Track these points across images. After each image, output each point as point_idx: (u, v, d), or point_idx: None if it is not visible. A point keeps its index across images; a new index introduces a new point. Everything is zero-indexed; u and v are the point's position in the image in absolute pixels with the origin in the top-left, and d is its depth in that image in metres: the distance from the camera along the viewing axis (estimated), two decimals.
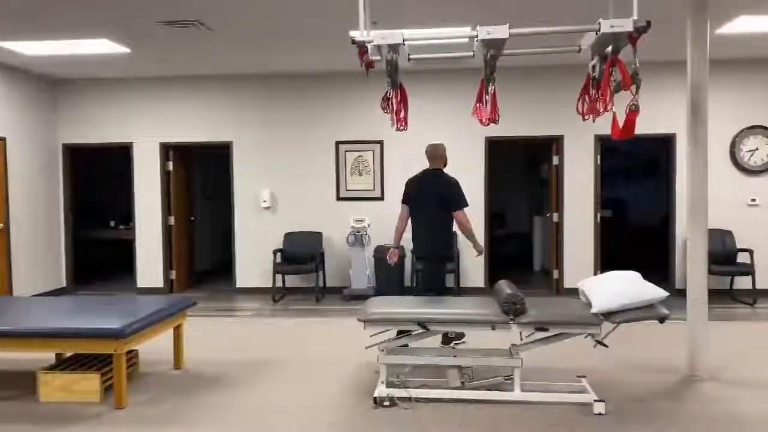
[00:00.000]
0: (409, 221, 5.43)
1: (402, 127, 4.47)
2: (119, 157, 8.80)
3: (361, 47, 3.89)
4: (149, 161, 8.48)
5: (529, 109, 7.99)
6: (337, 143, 8.21)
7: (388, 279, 7.76)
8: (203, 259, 9.80)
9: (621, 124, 3.95)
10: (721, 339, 5.53)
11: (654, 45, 6.49)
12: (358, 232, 7.78)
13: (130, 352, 4.72)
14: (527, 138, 8.10)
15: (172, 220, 8.58)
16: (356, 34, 3.90)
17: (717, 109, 7.66)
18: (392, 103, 4.34)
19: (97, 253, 10.31)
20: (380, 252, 7.84)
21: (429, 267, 5.33)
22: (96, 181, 10.80)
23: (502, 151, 10.06)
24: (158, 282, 8.49)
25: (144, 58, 7.23)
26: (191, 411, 4.07)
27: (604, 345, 4.02)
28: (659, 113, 7.72)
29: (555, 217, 8.16)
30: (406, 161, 8.13)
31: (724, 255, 7.56)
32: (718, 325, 6.09)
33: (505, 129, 7.92)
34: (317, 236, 8.14)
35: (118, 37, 6.29)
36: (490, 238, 8.22)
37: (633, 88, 3.78)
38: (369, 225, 7.85)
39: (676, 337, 5.27)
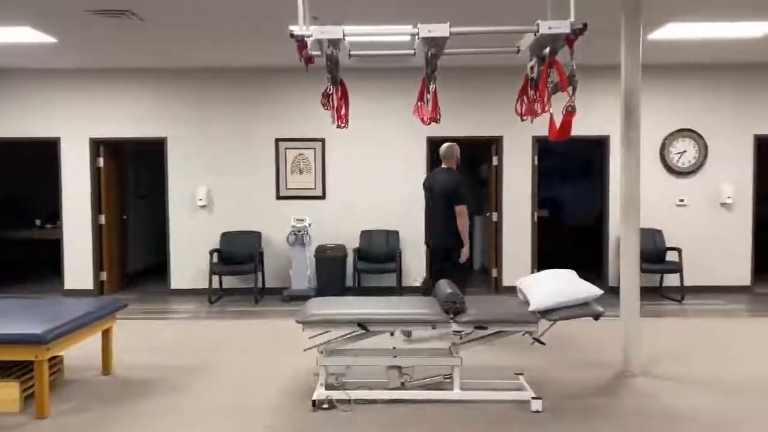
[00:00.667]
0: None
1: (343, 125, 4.40)
2: (45, 152, 8.35)
3: (300, 41, 3.80)
4: (78, 157, 8.09)
5: (470, 110, 8.06)
6: (277, 140, 8.05)
7: (330, 279, 7.67)
8: (136, 260, 9.44)
9: (558, 125, 4.01)
10: (652, 335, 5.71)
11: (590, 49, 6.65)
12: (299, 231, 7.65)
13: (54, 358, 4.46)
14: (468, 138, 8.16)
15: (102, 219, 8.21)
16: (295, 29, 3.81)
17: (648, 113, 7.92)
18: (333, 100, 4.27)
19: (21, 253, 9.77)
20: (321, 252, 7.74)
21: (438, 257, 5.85)
22: (20, 177, 10.23)
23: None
24: (87, 284, 8.11)
25: (72, 48, 6.88)
26: (119, 419, 3.88)
27: (541, 342, 4.07)
28: (594, 115, 7.94)
29: (494, 216, 8.27)
30: (348, 160, 8.07)
31: (654, 253, 7.84)
32: (649, 321, 6.29)
33: (446, 129, 7.93)
34: (256, 236, 7.97)
35: (42, 25, 5.95)
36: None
37: (570, 89, 3.84)
38: (310, 224, 7.74)
39: (611, 333, 5.41)
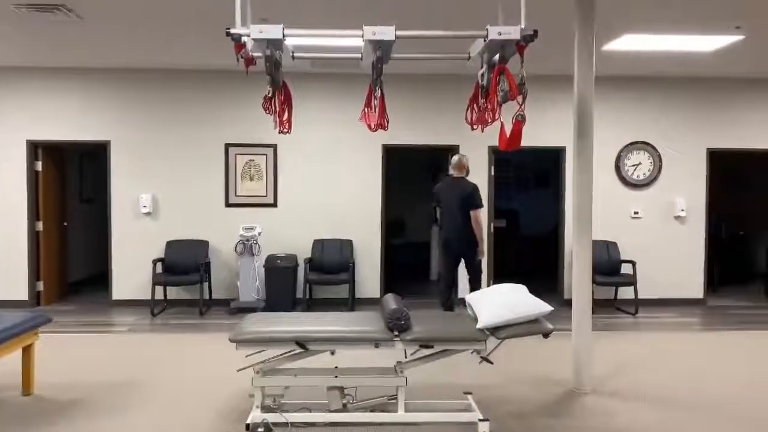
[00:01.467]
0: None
1: (285, 130, 4.18)
2: None
3: (237, 41, 3.56)
4: (14, 160, 7.64)
5: (426, 118, 7.91)
6: (227, 146, 7.75)
7: (279, 291, 7.39)
8: (79, 268, 8.99)
9: (508, 134, 3.86)
10: (605, 350, 5.61)
11: (545, 58, 6.58)
12: (248, 240, 7.36)
13: None
14: (424, 147, 8.03)
15: (40, 225, 7.77)
16: (234, 28, 3.58)
17: (604, 125, 7.90)
18: (275, 104, 4.04)
19: None
20: (272, 262, 7.47)
21: (453, 260, 6.25)
22: None
23: (402, 159, 9.98)
24: (21, 294, 7.65)
25: (4, 45, 6.48)
26: None
27: (489, 362, 3.90)
28: (550, 126, 7.88)
29: None
30: (301, 166, 7.83)
31: (608, 266, 7.80)
32: (602, 336, 6.21)
33: (402, 137, 7.81)
34: (203, 245, 7.64)
35: None
36: (387, 248, 8.05)
37: (520, 98, 3.70)
38: (260, 233, 7.45)
39: (563, 348, 5.28)
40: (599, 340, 5.53)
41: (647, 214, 8.10)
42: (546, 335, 3.81)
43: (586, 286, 4.74)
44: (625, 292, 7.88)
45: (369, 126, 4.08)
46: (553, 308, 3.88)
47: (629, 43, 6.19)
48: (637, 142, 8.04)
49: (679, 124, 8.08)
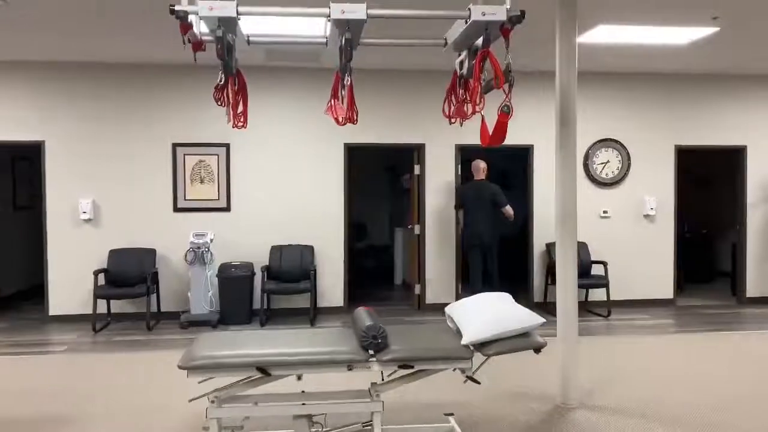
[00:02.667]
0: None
1: (240, 125, 3.69)
2: None
3: (183, 20, 3.06)
4: None
5: (390, 116, 7.50)
6: (175, 145, 7.15)
7: (235, 302, 6.85)
8: (9, 282, 8.21)
9: (491, 128, 3.48)
10: (584, 357, 5.30)
11: (511, 53, 6.25)
12: (199, 248, 6.78)
13: None
14: (388, 145, 7.61)
15: None
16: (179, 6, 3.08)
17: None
18: (228, 94, 3.54)
19: None
20: (226, 271, 6.91)
21: (482, 252, 7.10)
22: None
23: (364, 158, 9.57)
24: None
25: None
26: None
27: (476, 381, 3.49)
28: (517, 124, 7.58)
29: (417, 229, 7.73)
30: (257, 167, 7.30)
31: (579, 267, 7.51)
32: (579, 340, 5.90)
33: (365, 135, 7.38)
34: (150, 253, 7.02)
35: None
36: (350, 251, 7.60)
37: (505, 86, 3.31)
38: (212, 240, 6.89)
39: (544, 357, 4.94)
40: (578, 346, 5.21)
41: (616, 214, 7.89)
42: (537, 350, 3.43)
43: (572, 291, 4.41)
44: (595, 294, 7.65)
45: (336, 120, 3.62)
46: (544, 320, 3.50)
47: (603, 35, 5.92)
48: (605, 140, 7.82)
49: (648, 121, 7.90)
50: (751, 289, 8.07)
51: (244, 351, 3.29)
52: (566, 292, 4.39)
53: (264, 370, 3.22)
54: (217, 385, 3.41)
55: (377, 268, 10.40)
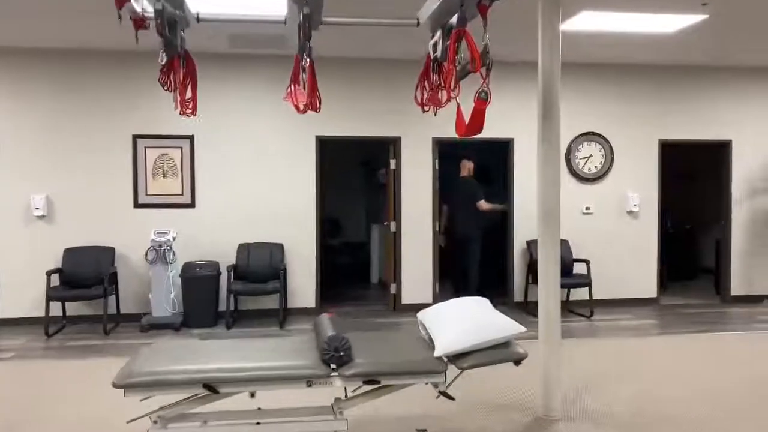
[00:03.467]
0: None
1: (188, 112, 3.32)
2: None
3: None
4: None
5: (364, 107, 7.14)
6: (135, 137, 6.73)
7: (199, 303, 6.47)
8: None
9: (468, 117, 3.15)
10: (566, 361, 5.01)
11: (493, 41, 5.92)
12: (160, 246, 6.38)
13: None
14: (362, 138, 7.26)
15: None
16: None
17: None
18: (174, 79, 3.17)
19: None
20: (189, 271, 6.52)
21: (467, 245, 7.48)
22: None
23: (339, 152, 9.22)
24: None
25: None
26: None
27: (450, 398, 3.17)
28: (495, 117, 7.27)
29: (393, 226, 7.39)
30: (223, 160, 6.90)
31: (561, 266, 7.24)
32: (562, 344, 5.62)
33: (338, 127, 7.03)
34: (108, 252, 6.59)
35: None
36: (323, 249, 7.24)
37: (483, 70, 2.98)
38: (174, 238, 6.48)
39: (525, 361, 4.65)
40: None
41: (599, 210, 7.62)
42: (518, 363, 3.12)
43: (554, 293, 4.11)
44: (577, 293, 7.39)
45: (296, 107, 3.27)
46: (525, 329, 3.19)
47: (586, 22, 5.63)
48: (588, 133, 7.55)
49: (632, 115, 7.64)
50: (736, 287, 7.86)
51: (189, 366, 2.93)
52: (548, 294, 4.09)
53: (212, 387, 2.87)
54: (163, 402, 3.05)
55: (352, 266, 10.05)
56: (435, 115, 3.58)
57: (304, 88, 3.17)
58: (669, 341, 6.06)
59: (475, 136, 3.21)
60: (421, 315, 3.46)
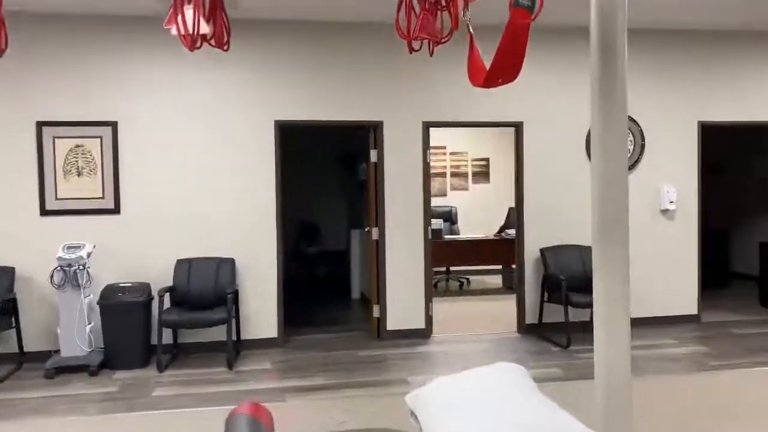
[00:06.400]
0: None
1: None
2: None
3: None
4: None
5: (334, 85, 5.69)
6: (40, 125, 5.23)
7: (125, 338, 4.99)
8: None
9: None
10: None
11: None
12: (70, 266, 4.89)
13: None
14: (333, 123, 5.81)
15: None
16: None
17: (571, 91, 6.01)
18: None
19: None
20: (110, 296, 5.04)
21: None
22: None
23: (313, 143, 7.81)
24: None
25: None
26: None
27: None
28: (502, 97, 5.88)
29: (374, 233, 5.95)
30: (156, 153, 5.43)
31: (584, 279, 5.84)
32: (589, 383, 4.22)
33: (302, 110, 5.60)
34: (6, 274, 5.08)
35: None
36: (293, 260, 5.78)
37: None
38: (90, 254, 4.99)
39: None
40: (586, 387, 3.47)
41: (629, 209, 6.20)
42: None
43: (624, 322, 2.73)
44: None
45: (183, 38, 1.82)
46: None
47: None
48: None
49: (667, 91, 6.24)
50: None
51: None
52: (616, 338, 2.70)
53: None
54: None
55: (330, 279, 8.61)
56: (431, 55, 2.14)
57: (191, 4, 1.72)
58: (735, 378, 4.67)
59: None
60: (413, 399, 2.02)
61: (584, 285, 5.83)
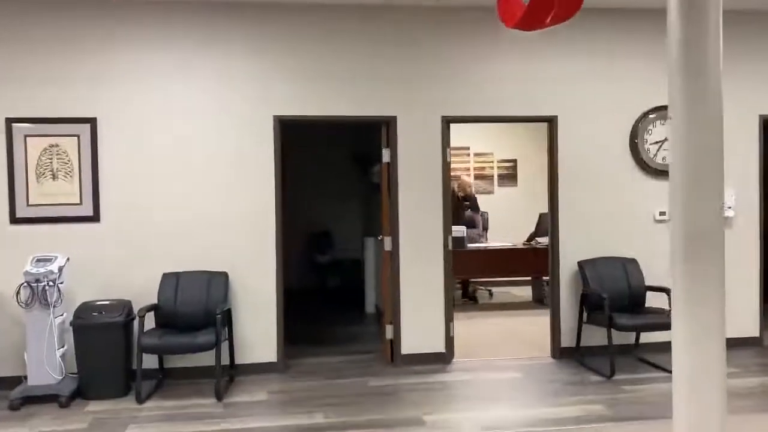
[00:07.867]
0: None
1: None
2: None
3: None
4: None
5: (342, 76, 5.03)
6: (10, 122, 4.66)
7: (102, 363, 4.38)
8: None
9: None
10: None
11: None
12: (38, 281, 4.29)
13: None
14: (340, 119, 5.17)
15: None
16: None
17: (611, 81, 5.28)
18: None
19: None
20: (85, 315, 4.45)
21: None
22: None
23: (324, 143, 7.20)
24: None
25: None
26: None
27: None
28: (533, 89, 5.19)
29: (387, 243, 5.26)
30: (139, 154, 4.83)
31: (628, 297, 5.11)
32: (644, 425, 3.49)
33: (304, 104, 4.96)
34: None
35: None
36: (302, 268, 5.13)
37: None
38: (62, 267, 4.40)
39: None
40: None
41: None
42: None
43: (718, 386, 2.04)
44: (650, 335, 5.22)
45: None
46: None
47: None
48: (662, 108, 5.34)
49: (726, 79, 5.43)
50: None
51: None
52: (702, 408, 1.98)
53: None
54: None
55: (343, 289, 7.96)
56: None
57: None
58: None
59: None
60: None
61: (629, 304, 5.09)
